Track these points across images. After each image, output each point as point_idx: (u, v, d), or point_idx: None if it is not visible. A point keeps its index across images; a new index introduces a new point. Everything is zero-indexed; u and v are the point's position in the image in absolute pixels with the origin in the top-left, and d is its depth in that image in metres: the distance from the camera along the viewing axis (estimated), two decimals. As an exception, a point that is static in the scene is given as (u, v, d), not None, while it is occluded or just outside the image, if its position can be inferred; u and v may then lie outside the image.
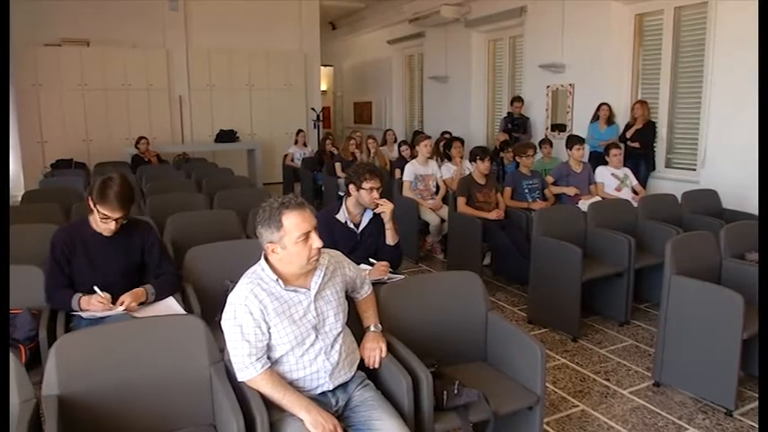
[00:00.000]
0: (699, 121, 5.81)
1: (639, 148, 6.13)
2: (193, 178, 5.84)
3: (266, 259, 2.02)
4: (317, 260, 2.03)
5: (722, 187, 5.09)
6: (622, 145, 6.12)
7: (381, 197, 3.09)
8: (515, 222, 4.78)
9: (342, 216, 3.12)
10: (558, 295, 3.81)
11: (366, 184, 3.05)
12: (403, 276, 2.92)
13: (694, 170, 5.92)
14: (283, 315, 1.97)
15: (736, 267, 3.19)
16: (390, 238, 3.08)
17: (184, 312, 2.51)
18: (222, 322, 1.96)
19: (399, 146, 7.09)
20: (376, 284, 2.68)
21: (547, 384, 3.14)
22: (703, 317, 2.88)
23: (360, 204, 3.12)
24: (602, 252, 4.01)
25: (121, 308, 2.42)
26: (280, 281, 1.99)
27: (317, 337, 2.03)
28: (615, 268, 3.88)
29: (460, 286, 2.60)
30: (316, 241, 1.98)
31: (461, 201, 4.86)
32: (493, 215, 4.75)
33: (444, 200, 5.50)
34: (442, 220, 5.41)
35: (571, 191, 5.24)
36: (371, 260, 3.01)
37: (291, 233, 1.94)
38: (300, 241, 1.95)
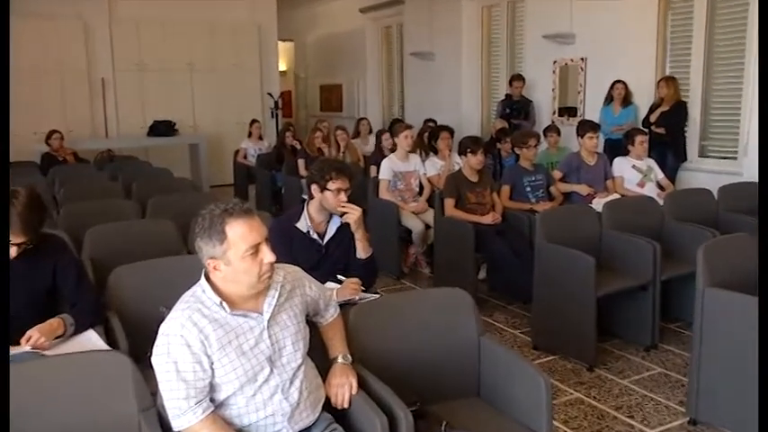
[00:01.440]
0: (740, 100, 5.96)
1: (666, 135, 6.26)
2: (120, 181, 5.82)
3: (207, 279, 2.03)
4: (270, 278, 2.04)
5: None
6: (647, 131, 6.25)
7: (350, 200, 3.11)
8: (515, 227, 4.83)
9: (303, 224, 3.13)
10: (569, 315, 3.87)
11: (332, 185, 3.07)
12: (377, 296, 2.94)
13: (735, 159, 6.06)
14: (230, 346, 1.98)
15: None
16: (361, 251, 3.10)
17: (108, 348, 2.50)
18: (153, 359, 1.96)
19: (379, 136, 7.14)
20: (345, 306, 2.70)
21: (556, 424, 3.17)
22: (746, 338, 2.93)
23: (325, 210, 3.13)
24: (621, 261, 4.08)
25: (27, 346, 2.40)
26: (224, 304, 1.99)
27: (272, 371, 2.04)
28: (638, 280, 3.95)
29: (447, 306, 2.62)
30: (267, 255, 1.99)
31: (450, 202, 4.91)
32: (488, 219, 4.80)
33: (430, 202, 5.55)
34: (428, 227, 5.45)
35: (583, 189, 5.32)
36: (340, 277, 3.03)
37: (237, 246, 1.95)
38: (248, 255, 1.96)
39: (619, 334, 4.20)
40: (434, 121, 7.98)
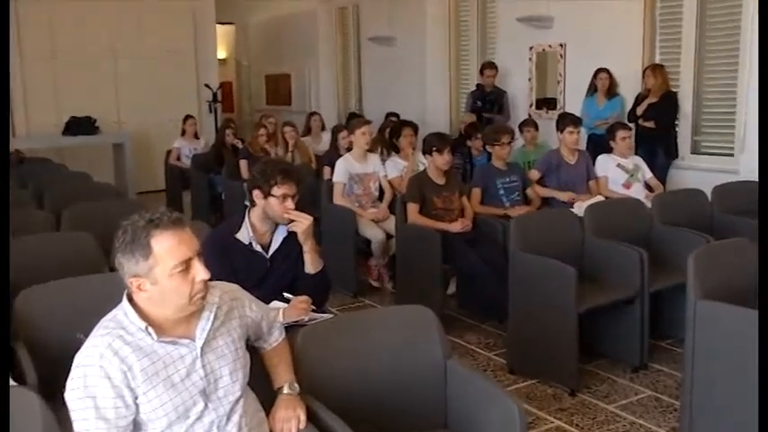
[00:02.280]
0: (736, 90, 6.12)
1: (655, 129, 6.41)
2: (30, 188, 5.74)
3: (130, 300, 2.01)
4: (204, 298, 2.03)
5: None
6: (632, 125, 6.38)
7: (299, 207, 3.12)
8: (488, 235, 4.89)
9: (244, 235, 3.13)
10: (548, 333, 3.92)
11: (277, 190, 3.07)
12: (329, 316, 2.95)
13: (731, 156, 6.22)
14: (157, 378, 1.97)
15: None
16: (311, 265, 3.11)
17: (14, 383, 2.45)
18: (67, 394, 1.94)
19: (334, 133, 7.16)
20: (292, 328, 2.70)
21: (535, 457, 3.22)
22: (743, 356, 3.00)
23: (269, 218, 3.14)
24: (605, 271, 4.16)
25: None
26: (150, 330, 1.98)
27: (206, 406, 2.03)
28: (624, 293, 4.03)
29: (410, 326, 2.64)
30: (200, 271, 1.98)
31: (413, 208, 4.95)
32: (457, 226, 4.85)
33: (391, 208, 5.59)
34: (389, 236, 5.48)
35: (564, 196, 5.42)
36: (287, 295, 3.03)
37: (164, 262, 1.94)
38: (178, 273, 1.96)
39: (604, 353, 4.27)
40: (397, 116, 8.04)
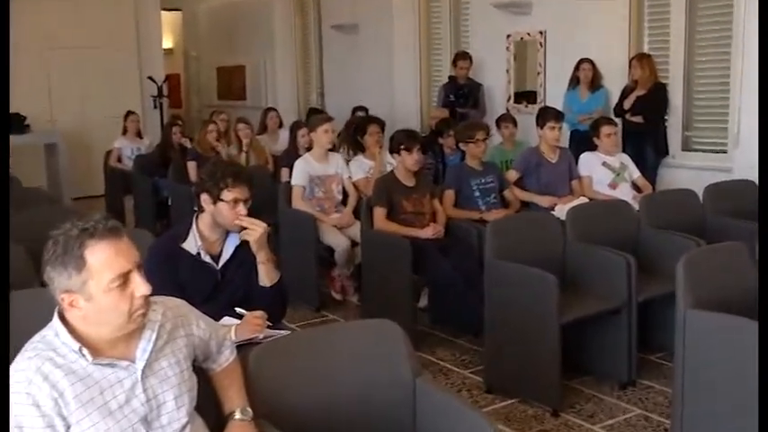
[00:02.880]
0: (729, 81, 6.23)
1: (643, 124, 6.51)
2: (-49, 194, 5.63)
3: (62, 318, 1.99)
4: (144, 315, 2.02)
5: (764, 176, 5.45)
6: (618, 120, 6.46)
7: (252, 213, 3.12)
8: (462, 241, 4.92)
9: (191, 244, 3.12)
10: (528, 348, 3.95)
11: (227, 194, 3.07)
12: (286, 332, 2.95)
13: (725, 152, 6.34)
14: (92, 404, 1.95)
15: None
16: (266, 276, 3.11)
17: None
18: (-9, 423, 1.92)
19: (293, 130, 7.16)
20: (245, 347, 2.70)
21: (515, 483, 3.24)
22: (739, 371, 3.05)
23: (219, 226, 3.13)
24: (589, 280, 4.20)
25: None
26: (85, 351, 1.96)
27: (148, 435, 2.02)
28: (610, 303, 4.07)
29: (375, 342, 2.65)
30: (140, 286, 1.97)
31: (380, 213, 4.97)
32: (428, 232, 4.88)
33: (356, 212, 5.60)
34: (354, 243, 5.49)
35: (546, 201, 5.47)
36: (239, 310, 3.02)
37: (100, 275, 1.93)
38: (115, 288, 1.94)
39: (589, 369, 4.31)
40: (366, 110, 8.05)
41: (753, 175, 5.42)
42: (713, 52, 6.46)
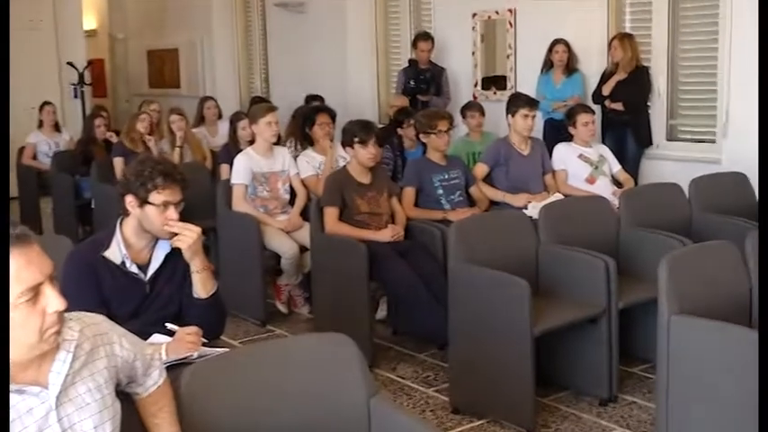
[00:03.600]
0: (716, 65, 6.31)
1: (624, 112, 6.59)
2: None
3: (-37, 339, 1.96)
4: (58, 333, 1.99)
5: (755, 168, 5.42)
6: (597, 107, 6.52)
7: (184, 217, 3.09)
8: (424, 245, 4.93)
9: (115, 253, 3.08)
10: (498, 362, 3.97)
11: (155, 196, 3.04)
12: (224, 350, 2.93)
13: (713, 142, 6.44)
14: (-1, 437, 1.92)
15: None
16: (201, 287, 3.09)
17: None
18: None
19: (233, 122, 7.12)
20: (177, 367, 2.68)
21: None
22: (727, 382, 3.10)
23: (147, 232, 3.10)
24: (564, 285, 4.24)
25: None
26: (-10, 375, 1.94)
27: (65, 469, 2.00)
28: (587, 310, 4.10)
29: (326, 359, 2.64)
30: (53, 300, 1.94)
31: (332, 213, 4.96)
32: (386, 235, 4.89)
33: (306, 214, 5.58)
34: (303, 249, 5.48)
35: (517, 198, 5.51)
36: (171, 326, 3.00)
37: (6, 289, 1.91)
38: (24, 303, 1.91)
39: (565, 385, 4.34)
40: (320, 99, 8.01)
41: (743, 166, 5.55)
42: (699, 32, 6.56)
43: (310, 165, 5.97)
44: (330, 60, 9.25)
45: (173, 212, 3.05)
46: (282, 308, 5.76)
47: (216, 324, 3.17)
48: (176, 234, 3.05)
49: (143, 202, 3.04)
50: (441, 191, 5.36)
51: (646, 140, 6.68)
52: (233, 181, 5.71)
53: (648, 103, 6.73)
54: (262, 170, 5.72)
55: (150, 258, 3.12)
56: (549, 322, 3.95)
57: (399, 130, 6.78)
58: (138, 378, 2.31)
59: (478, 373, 4.09)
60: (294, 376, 2.59)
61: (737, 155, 5.91)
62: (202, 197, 6.11)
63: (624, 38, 6.62)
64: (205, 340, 3.00)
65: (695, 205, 5.17)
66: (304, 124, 6.26)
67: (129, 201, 3.07)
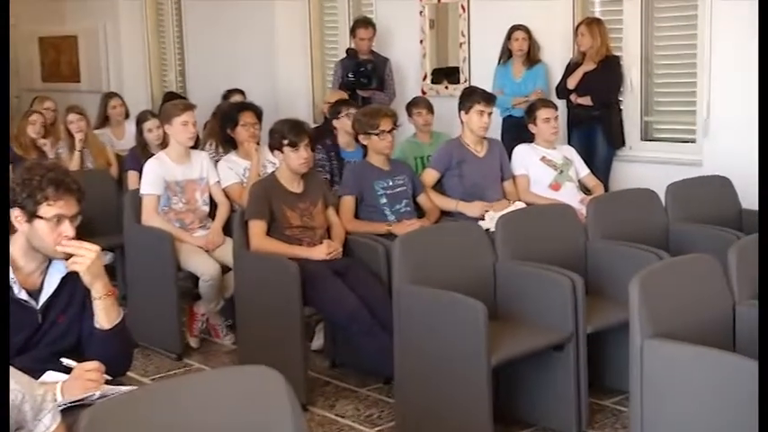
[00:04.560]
0: (696, 54, 6.41)
1: (593, 108, 6.68)
2: None
3: None
4: None
5: (740, 171, 5.59)
6: (561, 103, 6.58)
7: (81, 234, 3.06)
8: (365, 263, 4.96)
9: None
10: (452, 395, 3.99)
11: (47, 210, 3.00)
12: (132, 388, 2.91)
13: (693, 142, 6.55)
14: None
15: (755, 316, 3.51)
16: (103, 316, 3.06)
17: None
18: None
19: (141, 122, 7.05)
20: (75, 409, 2.64)
21: None
22: (709, 413, 3.13)
23: (37, 251, 3.07)
24: (526, 307, 4.28)
25: None
26: None
27: None
28: (552, 335, 4.14)
29: (250, 396, 2.63)
30: None
31: (258, 228, 4.93)
32: (321, 252, 4.89)
33: (228, 228, 5.56)
34: (226, 269, 5.45)
35: (472, 208, 5.53)
36: (67, 362, 2.97)
37: None
38: None
39: (528, 420, 4.37)
40: (242, 94, 7.96)
41: (727, 169, 5.64)
42: (677, 17, 6.69)
43: (233, 171, 5.93)
44: (257, 51, 9.24)
45: (67, 228, 3.02)
46: (194, 342, 5.72)
47: (121, 358, 3.14)
48: (72, 255, 3.02)
49: (31, 216, 3.00)
50: (384, 200, 5.37)
51: (617, 140, 6.76)
52: (142, 191, 5.66)
53: (620, 98, 6.82)
54: (176, 178, 5.68)
55: (42, 283, 3.09)
56: (509, 350, 3.98)
57: (336, 122, 6.42)
58: (27, 423, 2.28)
59: (429, 410, 4.11)
60: (214, 417, 2.57)
61: (720, 156, 6.01)
62: (106, 210, 6.06)
63: (592, 23, 6.69)
64: (108, 377, 2.97)
65: (672, 214, 5.25)
66: (225, 124, 6.19)
67: (16, 215, 3.03)
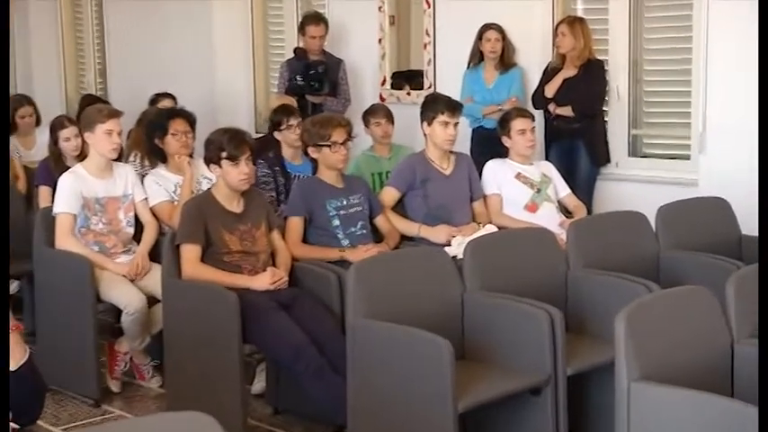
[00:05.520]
0: (691, 58, 6.49)
1: (574, 119, 6.76)
2: None
3: None
4: None
5: (740, 192, 5.64)
6: (537, 113, 6.63)
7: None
8: (315, 294, 4.97)
9: None
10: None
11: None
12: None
13: (687, 159, 6.64)
14: None
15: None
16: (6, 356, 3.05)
17: None
18: None
19: (55, 130, 7.00)
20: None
21: None
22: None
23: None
24: (497, 345, 4.29)
25: None
26: None
27: None
28: (527, 378, 4.16)
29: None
30: None
31: (190, 252, 4.93)
32: (264, 281, 4.89)
33: (155, 253, 5.56)
34: (153, 301, 5.42)
35: (439, 234, 5.55)
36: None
37: None
38: None
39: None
40: (172, 98, 7.92)
41: (725, 190, 5.68)
42: (669, 17, 6.78)
43: (162, 187, 5.89)
44: (191, 49, 9.26)
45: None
46: (115, 386, 5.67)
47: (30, 404, 3.13)
48: None
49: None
50: (337, 222, 5.39)
51: (601, 156, 6.85)
52: (56, 209, 5.61)
53: (605, 108, 6.90)
54: (96, 195, 5.63)
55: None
56: (478, 394, 4.00)
57: (277, 135, 6.44)
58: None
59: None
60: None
61: (718, 175, 6.07)
62: (14, 230, 6.01)
63: (575, 22, 6.77)
64: (15, 426, 2.96)
65: (664, 240, 5.31)
66: (152, 133, 6.11)
67: None
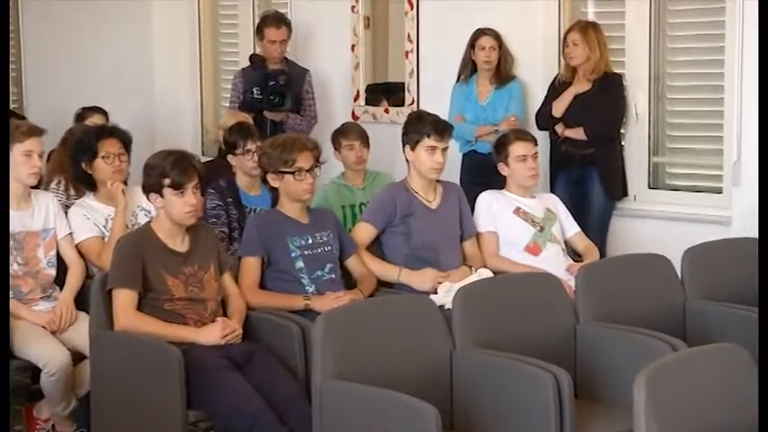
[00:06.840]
0: (723, 75, 6.55)
1: (586, 143, 6.81)
2: None
3: None
4: None
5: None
6: (541, 135, 6.66)
7: None
8: (274, 350, 4.97)
9: None
10: None
11: None
12: None
13: (719, 193, 6.69)
14: None
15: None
16: None
17: None
18: None
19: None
20: None
21: None
22: None
23: None
24: (492, 413, 4.30)
25: None
26: None
27: None
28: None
29: None
30: None
31: (125, 299, 4.91)
32: (214, 334, 4.89)
33: (82, 300, 5.55)
34: (79, 357, 5.41)
35: (424, 280, 5.56)
36: None
37: None
38: None
39: None
40: (103, 113, 7.86)
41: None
42: (696, 24, 6.84)
43: (90, 221, 5.88)
44: (126, 57, 9.28)
45: None
46: None
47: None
48: None
49: None
50: (301, 263, 5.40)
51: (617, 188, 6.89)
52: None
53: (621, 131, 6.95)
54: (13, 229, 5.63)
55: None
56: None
57: (231, 159, 6.42)
58: None
59: None
60: None
61: (754, 212, 5.99)
62: None
63: (588, 28, 6.81)
64: None
65: (691, 288, 5.34)
66: (79, 155, 6.05)
67: None
